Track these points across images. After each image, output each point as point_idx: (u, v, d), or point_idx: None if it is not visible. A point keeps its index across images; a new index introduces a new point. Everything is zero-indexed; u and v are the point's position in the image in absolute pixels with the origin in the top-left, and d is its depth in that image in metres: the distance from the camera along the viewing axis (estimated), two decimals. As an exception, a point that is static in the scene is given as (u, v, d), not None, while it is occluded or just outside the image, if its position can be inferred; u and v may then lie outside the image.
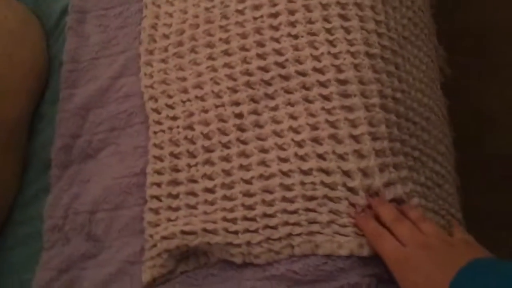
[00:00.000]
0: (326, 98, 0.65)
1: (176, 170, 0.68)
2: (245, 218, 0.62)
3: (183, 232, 0.62)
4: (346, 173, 0.61)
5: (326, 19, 0.68)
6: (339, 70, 0.66)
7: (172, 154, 0.69)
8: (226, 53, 0.71)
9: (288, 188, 0.62)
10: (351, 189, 0.60)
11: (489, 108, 1.23)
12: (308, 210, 0.61)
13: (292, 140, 0.64)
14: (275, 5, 0.71)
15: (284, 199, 0.62)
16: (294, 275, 0.59)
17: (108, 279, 0.67)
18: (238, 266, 0.62)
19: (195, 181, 0.67)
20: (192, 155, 0.68)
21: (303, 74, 0.67)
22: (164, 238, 0.63)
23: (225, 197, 0.64)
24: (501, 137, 1.21)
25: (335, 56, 0.66)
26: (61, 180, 0.76)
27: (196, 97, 0.71)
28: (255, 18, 0.71)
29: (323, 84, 0.66)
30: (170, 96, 0.73)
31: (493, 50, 1.29)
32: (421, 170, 0.67)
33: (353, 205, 0.60)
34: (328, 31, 0.68)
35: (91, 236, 0.71)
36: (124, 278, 0.66)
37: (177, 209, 0.66)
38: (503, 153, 1.19)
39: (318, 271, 0.59)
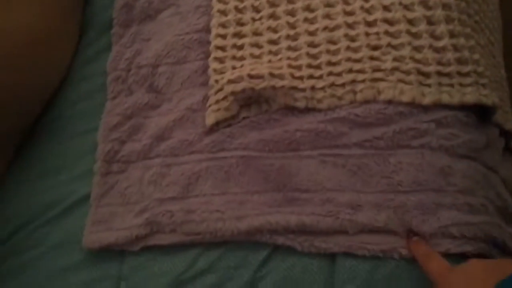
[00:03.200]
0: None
1: (240, 23, 0.70)
2: (310, 66, 0.64)
3: (250, 76, 0.64)
4: (410, 21, 0.62)
5: None
6: None
7: (236, 9, 0.71)
8: None
9: (352, 38, 0.64)
10: (414, 35, 0.62)
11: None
12: (372, 58, 0.63)
13: (358, -6, 0.66)
14: None
15: (348, 48, 0.63)
16: (355, 117, 0.62)
17: (171, 125, 0.70)
18: (300, 112, 0.65)
19: (259, 34, 0.69)
20: (256, 9, 0.70)
21: None
22: (231, 81, 0.65)
23: (290, 48, 0.66)
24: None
25: None
26: (123, 38, 0.78)
27: (261, -44, 0.72)
28: None
29: None
30: (233, -43, 0.73)
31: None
32: (481, 33, 0.68)
33: (416, 49, 0.61)
34: None
35: (154, 88, 0.74)
36: (186, 124, 0.69)
37: (242, 58, 0.68)
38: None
39: (379, 114, 0.61)
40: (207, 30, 0.73)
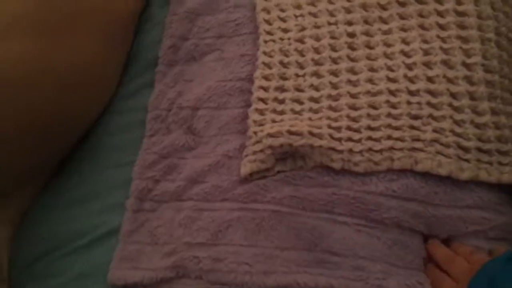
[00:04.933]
0: (442, 27, 0.67)
1: (283, 78, 0.71)
2: (349, 128, 0.65)
3: (290, 132, 0.66)
4: (453, 95, 0.63)
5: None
6: (459, 2, 0.67)
7: (281, 63, 0.72)
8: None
9: (394, 106, 0.65)
10: (456, 109, 0.63)
11: None
12: (412, 127, 0.63)
13: (403, 62, 0.67)
14: None
15: (389, 115, 0.64)
16: (392, 193, 0.62)
17: (206, 169, 0.71)
18: (336, 173, 0.65)
19: (301, 90, 0.70)
20: (300, 66, 0.71)
21: (420, 1, 0.69)
22: (270, 135, 0.66)
23: (331, 107, 0.67)
24: None
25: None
26: (166, 77, 0.80)
27: (309, 13, 0.74)
28: None
29: (440, 14, 0.68)
30: (283, 10, 0.76)
31: None
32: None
33: (457, 123, 0.62)
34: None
35: (192, 130, 0.75)
36: (221, 170, 0.70)
37: (282, 112, 0.69)
38: None
39: (416, 192, 0.62)
40: (250, 79, 0.75)
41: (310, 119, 0.67)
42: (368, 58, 0.69)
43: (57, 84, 0.74)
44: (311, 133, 0.65)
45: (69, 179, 0.79)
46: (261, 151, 0.67)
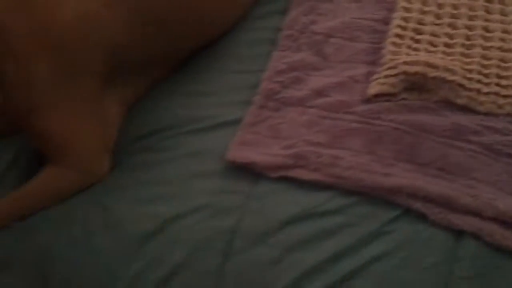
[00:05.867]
0: None
1: (421, 23, 0.79)
2: (480, 73, 0.72)
3: (426, 63, 0.72)
4: None
5: None
6: None
7: (419, 10, 0.80)
8: None
9: (523, 63, 0.72)
10: None
11: None
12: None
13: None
14: None
15: (518, 70, 0.71)
16: (509, 132, 0.68)
17: (332, 86, 0.77)
18: (457, 109, 0.72)
19: (436, 35, 0.77)
20: (438, 16, 0.79)
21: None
22: (406, 63, 0.73)
23: (463, 54, 0.75)
24: None
25: None
26: (300, 6, 0.89)
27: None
28: None
29: None
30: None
31: None
32: None
33: None
34: None
35: (321, 53, 0.82)
36: (346, 89, 0.77)
37: (417, 49, 0.76)
38: None
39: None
40: (384, 22, 0.82)
41: (443, 59, 0.74)
42: (502, 22, 0.76)
43: None
44: (446, 68, 0.72)
45: (194, 71, 0.85)
46: (394, 75, 0.73)
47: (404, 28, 0.78)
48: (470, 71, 0.72)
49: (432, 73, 0.71)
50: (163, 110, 0.82)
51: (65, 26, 0.71)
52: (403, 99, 0.74)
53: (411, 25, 0.78)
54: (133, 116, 0.82)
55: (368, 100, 0.75)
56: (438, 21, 0.78)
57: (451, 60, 0.74)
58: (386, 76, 0.74)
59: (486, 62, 0.72)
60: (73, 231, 0.71)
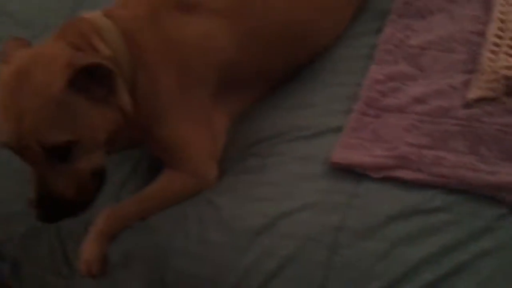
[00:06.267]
0: None
1: (517, 33, 0.81)
2: None
3: (525, 68, 0.74)
4: None
5: None
6: None
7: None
8: None
9: None
10: None
11: None
12: None
13: None
14: None
15: None
16: None
17: (430, 94, 0.81)
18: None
19: (534, 44, 0.79)
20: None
21: None
22: (506, 67, 0.75)
23: None
24: None
25: None
26: (396, 24, 0.93)
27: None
28: None
29: None
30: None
31: None
32: None
33: None
34: None
35: (417, 65, 0.86)
36: (444, 96, 0.80)
37: (514, 57, 0.78)
38: None
39: None
40: (478, 34, 0.85)
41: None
42: None
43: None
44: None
45: (296, 89, 0.92)
46: (493, 80, 0.76)
47: (500, 38, 0.81)
48: None
49: (533, 76, 0.73)
50: (269, 120, 0.89)
51: (189, 43, 0.81)
52: (504, 103, 0.76)
53: (508, 34, 0.80)
54: (242, 127, 0.89)
55: (468, 105, 0.77)
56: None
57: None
58: (486, 81, 0.76)
59: None
60: (188, 228, 0.78)
